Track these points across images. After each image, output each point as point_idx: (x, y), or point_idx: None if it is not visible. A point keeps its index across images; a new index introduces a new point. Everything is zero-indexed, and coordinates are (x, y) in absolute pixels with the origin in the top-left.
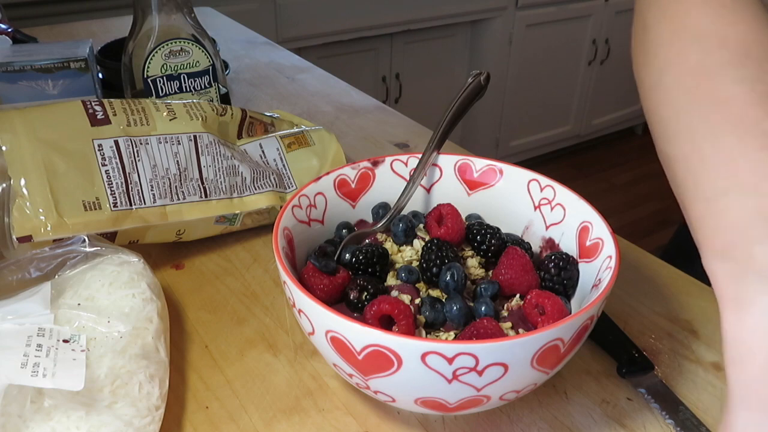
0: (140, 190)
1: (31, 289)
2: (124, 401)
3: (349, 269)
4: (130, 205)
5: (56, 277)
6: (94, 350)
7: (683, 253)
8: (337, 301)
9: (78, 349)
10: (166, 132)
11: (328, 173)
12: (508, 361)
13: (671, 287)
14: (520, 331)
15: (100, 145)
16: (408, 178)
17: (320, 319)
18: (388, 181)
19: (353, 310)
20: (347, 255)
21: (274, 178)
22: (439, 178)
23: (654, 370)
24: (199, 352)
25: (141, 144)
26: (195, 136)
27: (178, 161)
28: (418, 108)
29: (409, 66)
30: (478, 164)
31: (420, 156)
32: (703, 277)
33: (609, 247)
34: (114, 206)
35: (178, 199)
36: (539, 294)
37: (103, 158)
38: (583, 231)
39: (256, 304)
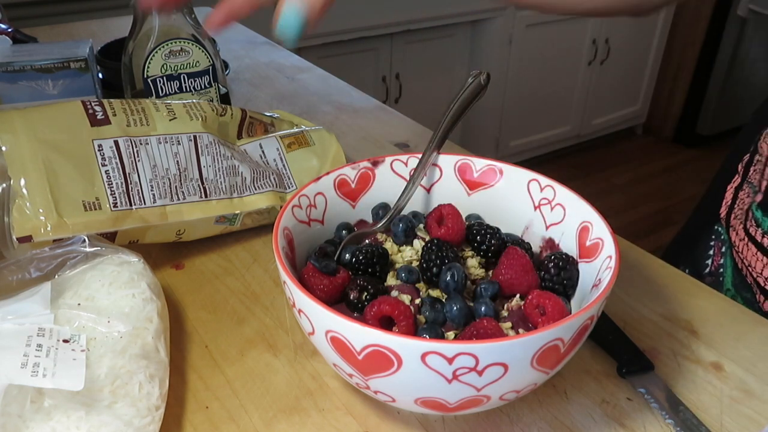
0: (140, 190)
1: (31, 289)
2: (124, 401)
3: (349, 269)
4: (130, 205)
5: (56, 277)
6: (94, 350)
7: (687, 244)
8: (337, 301)
9: (78, 349)
10: (166, 132)
11: (328, 173)
12: (508, 361)
13: (671, 287)
14: (520, 331)
15: (100, 146)
16: (408, 178)
17: (320, 319)
18: (388, 181)
19: (353, 310)
20: (347, 255)
21: (274, 178)
22: (439, 178)
23: (654, 370)
24: (199, 352)
25: (141, 144)
26: (195, 136)
27: (178, 161)
28: (418, 108)
29: (409, 66)
30: (478, 164)
31: (420, 156)
32: (702, 266)
33: (609, 247)
34: (114, 206)
35: (178, 200)
36: (540, 294)
37: (103, 158)
38: (583, 231)
39: (256, 304)
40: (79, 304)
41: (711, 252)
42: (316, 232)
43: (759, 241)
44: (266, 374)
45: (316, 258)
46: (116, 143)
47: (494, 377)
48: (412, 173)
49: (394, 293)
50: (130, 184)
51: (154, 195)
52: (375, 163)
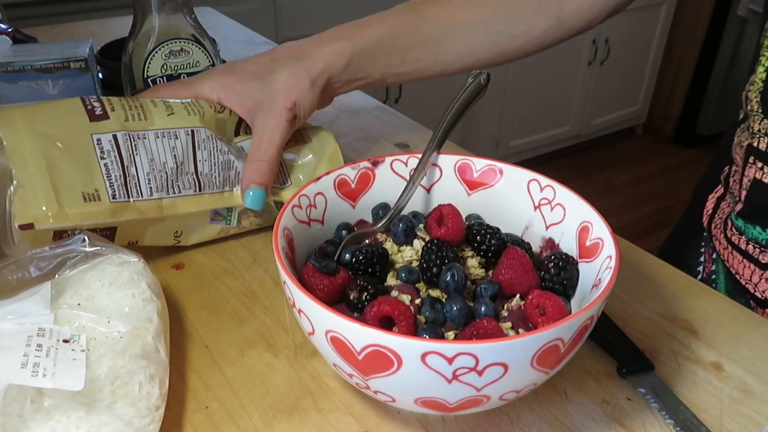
0: (138, 183)
1: (31, 289)
2: (124, 401)
3: (349, 269)
4: (128, 197)
5: (56, 277)
6: (94, 350)
7: (678, 248)
8: (337, 301)
9: (78, 349)
10: (164, 127)
11: (328, 173)
12: (508, 361)
13: (671, 287)
14: (520, 331)
15: (98, 140)
16: (408, 178)
17: (320, 319)
18: (388, 181)
19: (353, 310)
20: (347, 255)
21: None
22: (439, 178)
23: (654, 370)
24: (199, 352)
25: (139, 138)
26: (192, 131)
27: (175, 155)
28: (418, 108)
29: None
30: (478, 164)
31: (420, 156)
32: (694, 272)
33: (609, 247)
34: (113, 198)
35: (174, 193)
36: (540, 294)
37: (102, 152)
38: (583, 231)
39: (256, 304)
40: (79, 304)
41: (702, 259)
42: (316, 232)
43: (744, 249)
44: (266, 374)
45: (316, 258)
46: (115, 137)
47: (494, 377)
48: (412, 173)
49: (394, 293)
50: (128, 176)
51: (151, 188)
52: (375, 163)
